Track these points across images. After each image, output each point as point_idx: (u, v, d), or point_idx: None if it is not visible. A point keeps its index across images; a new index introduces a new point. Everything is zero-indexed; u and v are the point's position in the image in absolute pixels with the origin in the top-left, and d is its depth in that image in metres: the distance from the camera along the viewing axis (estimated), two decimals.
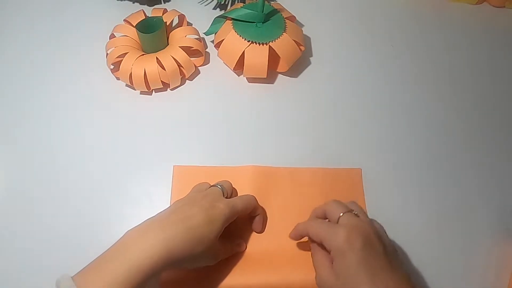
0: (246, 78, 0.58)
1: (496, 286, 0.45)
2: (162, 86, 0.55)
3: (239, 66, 0.56)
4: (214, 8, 0.65)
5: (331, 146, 0.53)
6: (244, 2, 0.60)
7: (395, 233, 0.45)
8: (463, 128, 0.55)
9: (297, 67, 0.58)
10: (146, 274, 0.35)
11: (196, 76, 0.58)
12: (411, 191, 0.51)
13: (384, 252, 0.36)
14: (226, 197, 0.44)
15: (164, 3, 0.64)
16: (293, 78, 0.59)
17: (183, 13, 0.58)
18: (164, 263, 0.36)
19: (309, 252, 0.42)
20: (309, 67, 0.60)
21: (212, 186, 0.45)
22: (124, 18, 0.57)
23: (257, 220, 0.46)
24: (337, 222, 0.38)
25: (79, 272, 0.35)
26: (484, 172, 0.52)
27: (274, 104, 0.56)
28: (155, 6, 0.62)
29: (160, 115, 0.54)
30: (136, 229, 0.38)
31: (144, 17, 0.56)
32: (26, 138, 0.52)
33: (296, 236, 0.43)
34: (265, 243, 0.46)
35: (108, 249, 0.37)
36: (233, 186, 0.47)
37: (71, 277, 0.34)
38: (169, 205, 0.45)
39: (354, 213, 0.39)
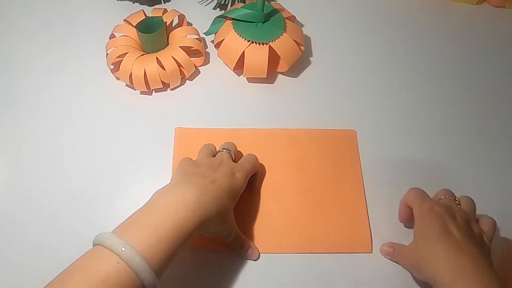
0: (246, 78, 0.58)
1: None
2: (162, 86, 0.55)
3: (239, 66, 0.56)
4: (214, 8, 0.65)
5: None
6: (244, 2, 0.60)
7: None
8: (462, 127, 0.55)
9: (297, 67, 0.58)
10: (184, 234, 0.37)
11: (196, 76, 0.58)
12: None
13: (460, 226, 0.39)
14: (234, 160, 0.47)
15: (164, 3, 0.64)
16: (293, 78, 0.59)
17: (183, 13, 0.58)
18: (200, 222, 0.38)
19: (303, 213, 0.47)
20: (309, 67, 0.60)
21: (220, 151, 0.47)
22: (124, 18, 0.57)
23: (255, 178, 0.48)
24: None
25: (116, 228, 0.36)
26: (485, 171, 0.52)
27: (274, 104, 0.56)
28: (155, 6, 0.62)
29: (160, 115, 0.54)
30: (169, 188, 0.40)
31: (144, 17, 0.56)
32: (25, 138, 0.52)
33: (402, 210, 0.46)
34: (265, 202, 0.48)
35: (143, 207, 0.38)
36: None
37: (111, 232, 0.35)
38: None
39: (456, 202, 0.43)
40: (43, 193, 0.49)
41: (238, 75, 0.59)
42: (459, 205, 0.44)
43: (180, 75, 0.56)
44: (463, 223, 0.40)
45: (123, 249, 0.33)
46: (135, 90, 0.56)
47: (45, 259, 0.44)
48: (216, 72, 0.59)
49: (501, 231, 0.48)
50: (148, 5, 0.63)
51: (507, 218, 0.49)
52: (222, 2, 0.62)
